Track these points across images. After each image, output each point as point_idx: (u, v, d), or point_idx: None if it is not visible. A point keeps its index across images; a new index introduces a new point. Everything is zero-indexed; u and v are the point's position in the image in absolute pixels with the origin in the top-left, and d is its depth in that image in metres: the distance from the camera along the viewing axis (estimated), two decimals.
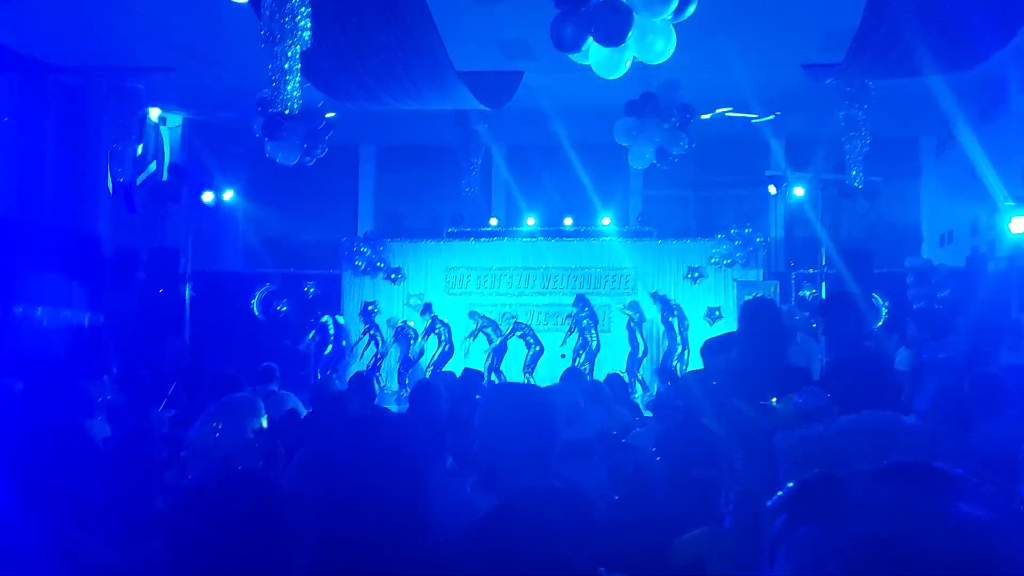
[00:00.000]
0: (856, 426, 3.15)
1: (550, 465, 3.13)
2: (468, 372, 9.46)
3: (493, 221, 18.87)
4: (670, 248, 17.98)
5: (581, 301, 17.07)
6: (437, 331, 17.41)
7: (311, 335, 17.31)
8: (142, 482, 4.25)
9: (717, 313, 17.46)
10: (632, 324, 16.97)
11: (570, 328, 17.09)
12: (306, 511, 2.25)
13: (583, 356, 16.71)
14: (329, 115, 12.94)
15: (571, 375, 8.03)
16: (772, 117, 15.16)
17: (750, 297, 10.25)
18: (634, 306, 17.11)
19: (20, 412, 6.39)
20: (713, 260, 17.62)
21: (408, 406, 6.99)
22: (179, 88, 15.44)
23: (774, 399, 3.84)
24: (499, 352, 17.11)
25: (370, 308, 18.17)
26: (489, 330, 17.33)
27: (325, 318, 17.55)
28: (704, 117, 14.14)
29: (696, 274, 17.71)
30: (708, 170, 18.70)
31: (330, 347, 17.42)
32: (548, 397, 3.31)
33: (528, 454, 3.07)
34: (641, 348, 16.90)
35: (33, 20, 12.31)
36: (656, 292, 17.43)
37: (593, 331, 16.87)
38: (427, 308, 17.66)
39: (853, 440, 3.07)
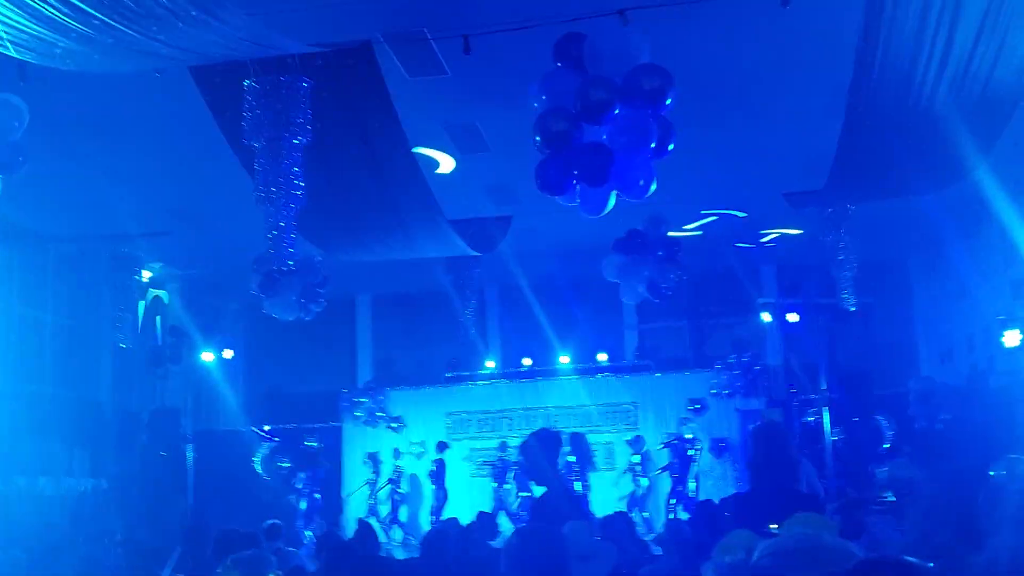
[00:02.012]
0: (779, 547, 3.18)
1: None
2: (482, 517, 9.43)
3: (490, 364, 18.95)
4: (669, 381, 18.00)
5: (574, 442, 16.93)
6: (436, 474, 17.37)
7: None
8: None
9: (722, 444, 17.36)
10: (633, 463, 16.88)
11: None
12: None
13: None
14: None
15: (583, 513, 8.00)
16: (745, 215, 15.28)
17: (759, 424, 10.25)
18: (637, 442, 17.05)
19: None
20: (713, 391, 17.62)
21: (419, 553, 7.05)
22: (175, 250, 15.71)
23: (774, 525, 3.88)
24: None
25: (375, 457, 18.09)
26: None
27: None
28: (688, 229, 14.31)
29: (698, 406, 17.69)
30: (702, 300, 18.85)
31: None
32: (561, 536, 3.37)
33: None
34: (645, 485, 16.77)
35: (32, 194, 12.66)
36: (672, 437, 17.27)
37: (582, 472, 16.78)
38: (442, 448, 17.64)
39: (778, 562, 3.10)
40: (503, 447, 17.71)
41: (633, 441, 17.29)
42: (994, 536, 3.84)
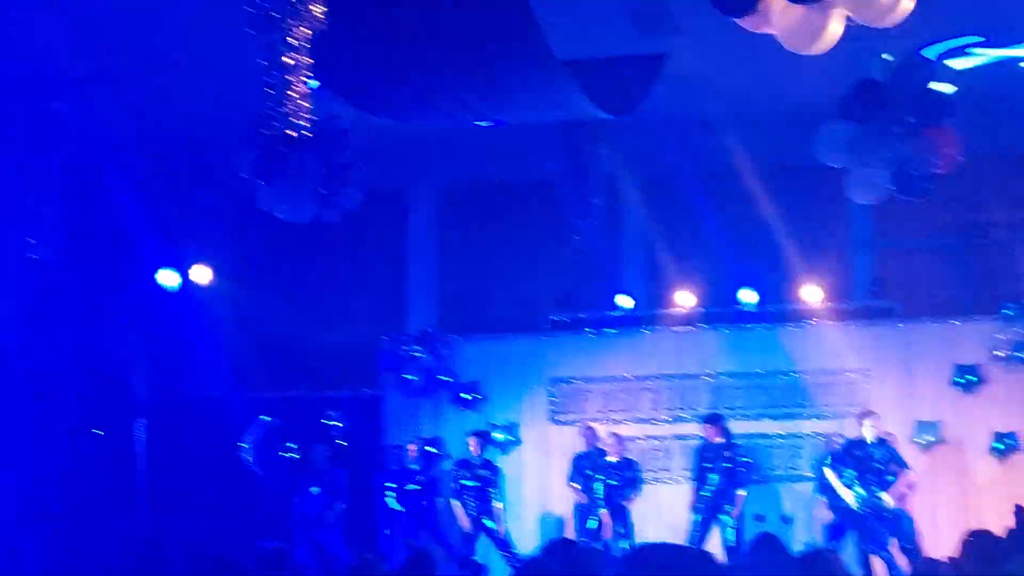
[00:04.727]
0: None
1: None
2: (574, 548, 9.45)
3: (626, 301, 18.90)
4: (926, 334, 17.88)
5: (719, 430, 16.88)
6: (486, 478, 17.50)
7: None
8: None
9: (1011, 441, 17.17)
10: (837, 470, 16.77)
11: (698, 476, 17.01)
12: None
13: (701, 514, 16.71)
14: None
15: (769, 543, 7.99)
16: None
17: None
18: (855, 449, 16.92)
19: None
20: (1000, 352, 17.39)
21: None
22: (120, 109, 15.85)
23: None
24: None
25: (430, 450, 18.23)
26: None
27: None
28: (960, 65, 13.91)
29: (972, 377, 17.47)
30: (983, 203, 18.59)
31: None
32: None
33: None
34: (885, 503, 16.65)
35: None
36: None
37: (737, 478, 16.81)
38: (485, 439, 17.70)
39: None
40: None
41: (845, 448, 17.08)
42: None
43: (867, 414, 16.43)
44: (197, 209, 18.43)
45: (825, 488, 16.81)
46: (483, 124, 13.70)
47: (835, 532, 16.71)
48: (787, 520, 17.38)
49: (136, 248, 17.00)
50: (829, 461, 16.81)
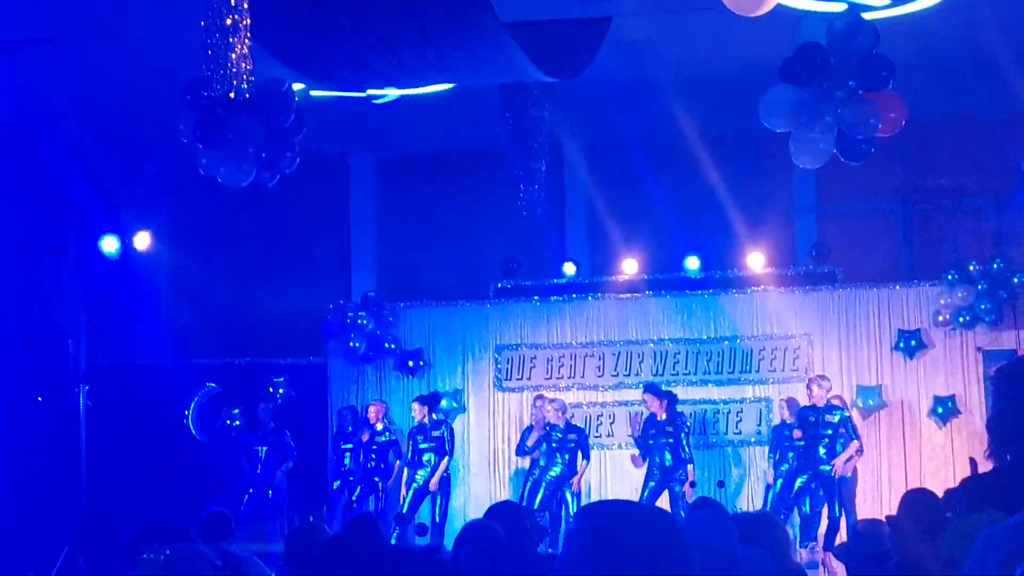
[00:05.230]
0: None
1: None
2: (509, 509, 9.47)
3: (570, 268, 18.93)
4: (868, 299, 17.98)
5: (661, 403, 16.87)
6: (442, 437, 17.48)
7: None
8: None
9: (951, 406, 17.34)
10: (785, 433, 16.84)
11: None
12: None
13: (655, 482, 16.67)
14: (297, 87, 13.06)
15: (708, 504, 8.01)
16: None
17: (1011, 363, 10.15)
18: (791, 405, 16.99)
19: None
20: (941, 317, 17.50)
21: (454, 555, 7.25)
22: (56, 70, 15.70)
23: None
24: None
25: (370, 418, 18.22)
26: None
27: None
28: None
29: (912, 341, 17.60)
30: (926, 168, 18.63)
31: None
32: (681, 531, 3.32)
33: None
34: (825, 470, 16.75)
35: None
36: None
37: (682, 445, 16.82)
38: (435, 399, 17.67)
39: None
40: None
41: (788, 403, 17.14)
42: None
43: (818, 379, 16.52)
44: (138, 175, 18.32)
45: (771, 452, 16.94)
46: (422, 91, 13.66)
47: (780, 496, 16.81)
48: (726, 484, 17.39)
49: (77, 214, 16.86)
50: (777, 424, 16.96)
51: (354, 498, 17.48)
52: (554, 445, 16.94)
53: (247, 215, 17.74)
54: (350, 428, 18.04)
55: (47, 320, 16.99)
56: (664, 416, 16.74)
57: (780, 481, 16.69)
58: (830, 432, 16.09)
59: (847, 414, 16.36)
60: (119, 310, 18.56)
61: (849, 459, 16.20)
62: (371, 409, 17.96)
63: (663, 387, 17.16)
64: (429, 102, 14.86)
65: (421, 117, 16.57)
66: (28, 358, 16.35)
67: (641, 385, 17.61)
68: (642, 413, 17.16)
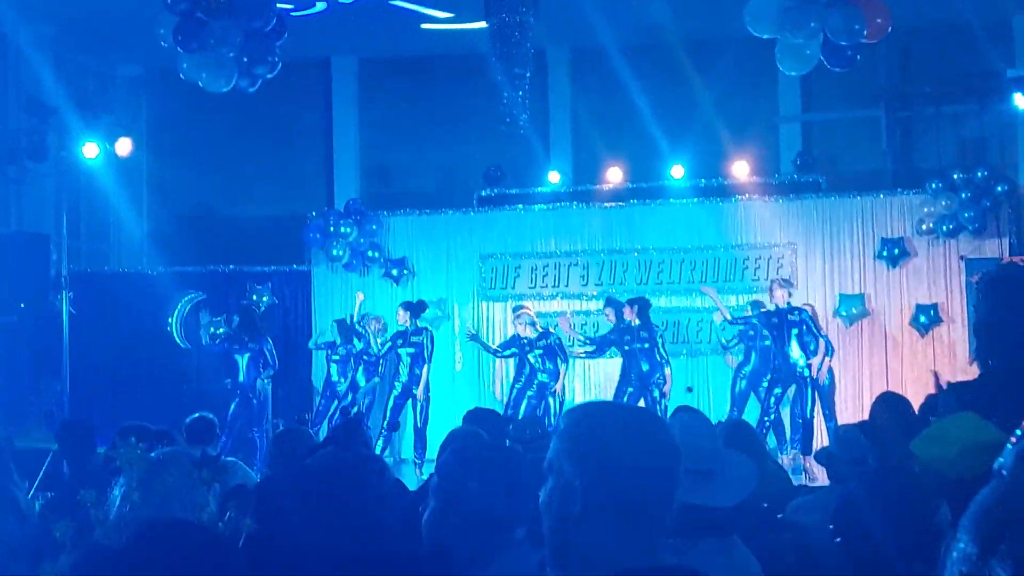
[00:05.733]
0: None
1: (661, 541, 3.17)
2: (484, 415, 9.48)
3: (554, 176, 18.90)
4: (851, 208, 17.99)
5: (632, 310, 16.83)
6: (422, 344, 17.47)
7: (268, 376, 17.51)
8: None
9: (933, 314, 17.44)
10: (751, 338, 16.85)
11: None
12: None
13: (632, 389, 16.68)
14: None
15: (688, 409, 8.01)
16: None
17: (993, 271, 10.19)
18: (757, 308, 16.97)
19: None
20: (924, 226, 17.54)
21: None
22: None
23: None
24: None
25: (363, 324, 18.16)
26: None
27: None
28: None
29: (896, 250, 17.63)
30: (910, 75, 18.61)
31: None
32: (668, 430, 3.32)
33: (632, 517, 3.10)
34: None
35: None
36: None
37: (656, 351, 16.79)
38: (420, 308, 17.63)
39: None
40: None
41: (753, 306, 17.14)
42: None
43: (779, 281, 16.51)
44: (118, 79, 18.20)
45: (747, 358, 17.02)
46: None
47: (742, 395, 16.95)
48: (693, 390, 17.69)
49: (57, 119, 16.76)
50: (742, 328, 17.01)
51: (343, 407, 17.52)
52: (530, 359, 16.96)
53: (229, 121, 17.63)
54: (338, 340, 18.01)
55: (27, 226, 16.94)
56: (638, 322, 16.73)
57: (743, 382, 16.79)
58: (796, 332, 16.03)
59: (809, 314, 16.29)
60: (100, 217, 18.51)
61: (821, 362, 16.20)
62: (372, 324, 17.89)
63: (647, 296, 17.12)
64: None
65: (406, 19, 16.46)
66: (8, 263, 16.30)
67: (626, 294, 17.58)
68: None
